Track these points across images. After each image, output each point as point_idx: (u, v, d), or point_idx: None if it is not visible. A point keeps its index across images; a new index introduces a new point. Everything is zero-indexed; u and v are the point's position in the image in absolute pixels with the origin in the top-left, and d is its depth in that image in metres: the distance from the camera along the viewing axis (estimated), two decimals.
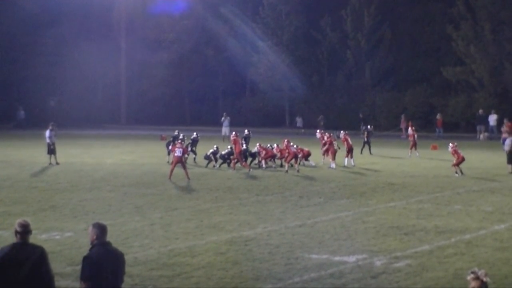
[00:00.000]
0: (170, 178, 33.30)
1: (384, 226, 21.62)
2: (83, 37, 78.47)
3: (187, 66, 79.45)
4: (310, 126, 66.58)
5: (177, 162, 33.80)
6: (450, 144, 36.21)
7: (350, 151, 39.11)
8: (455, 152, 35.39)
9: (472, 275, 8.82)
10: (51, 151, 39.29)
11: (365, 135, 46.40)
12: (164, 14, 78.63)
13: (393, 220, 22.75)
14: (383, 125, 68.82)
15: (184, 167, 33.91)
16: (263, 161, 38.54)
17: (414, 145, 44.23)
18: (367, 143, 45.79)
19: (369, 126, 49.87)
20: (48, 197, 27.94)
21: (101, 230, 10.54)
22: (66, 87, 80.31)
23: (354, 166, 38.48)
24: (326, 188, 30.70)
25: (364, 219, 23.01)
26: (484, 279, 8.80)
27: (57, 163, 39.01)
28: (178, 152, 34.04)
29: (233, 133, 40.48)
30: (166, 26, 78.95)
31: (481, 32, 67.70)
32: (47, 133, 39.74)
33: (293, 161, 37.27)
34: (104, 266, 10.26)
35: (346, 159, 39.00)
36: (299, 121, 70.19)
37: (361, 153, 44.57)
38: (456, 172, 34.78)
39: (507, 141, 37.03)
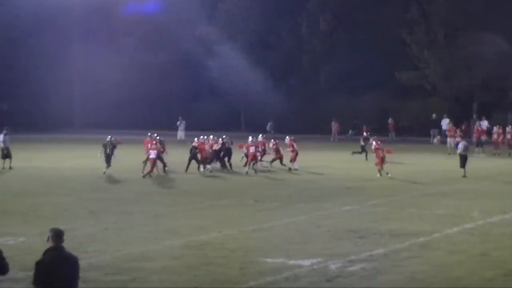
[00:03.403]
0: (145, 175, 35.03)
1: (339, 230, 21.69)
2: (35, 40, 77.60)
3: (142, 70, 78.93)
4: (261, 130, 66.77)
5: (154, 164, 35.12)
6: (373, 142, 37.73)
7: (296, 155, 39.48)
8: (376, 150, 36.51)
9: None
10: (5, 155, 38.79)
11: (361, 140, 45.80)
12: (119, 17, 78.25)
13: (348, 223, 22.83)
14: (339, 129, 69.04)
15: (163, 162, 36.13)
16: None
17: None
18: (364, 149, 45.22)
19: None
20: (0, 201, 27.57)
21: (55, 234, 10.45)
22: (18, 91, 79.29)
23: (297, 169, 38.79)
24: (281, 192, 30.73)
25: (319, 223, 23.07)
26: None
27: (10, 167, 38.54)
28: (152, 154, 35.11)
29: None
30: (120, 28, 78.49)
31: (435, 37, 68.39)
32: (1, 137, 39.25)
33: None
34: (57, 271, 10.15)
35: (292, 163, 39.31)
36: (269, 125, 69.46)
37: (366, 159, 44.15)
38: (380, 173, 35.81)
39: (460, 145, 37.47)
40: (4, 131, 39.63)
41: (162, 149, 37.69)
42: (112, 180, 34.64)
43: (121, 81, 78.58)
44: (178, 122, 61.55)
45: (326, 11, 73.97)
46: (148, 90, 79.93)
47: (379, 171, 36.01)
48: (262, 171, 38.57)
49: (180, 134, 59.73)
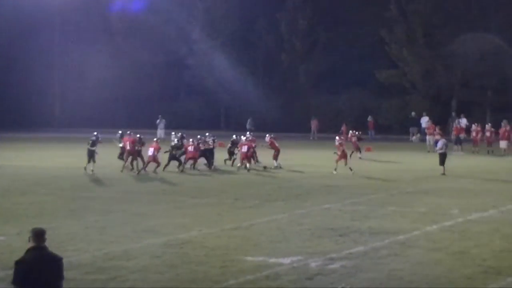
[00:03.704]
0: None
1: (319, 228, 21.75)
2: (17, 39, 77.24)
3: (122, 68, 78.67)
4: (242, 129, 66.79)
5: (150, 161, 36.91)
6: (337, 138, 38.61)
7: (278, 153, 39.67)
8: (340, 145, 37.25)
9: None
10: None
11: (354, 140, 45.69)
12: (100, 16, 78.09)
13: (328, 222, 22.90)
14: (318, 127, 69.15)
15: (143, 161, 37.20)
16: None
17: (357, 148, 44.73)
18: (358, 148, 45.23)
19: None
20: None
21: (36, 234, 10.42)
22: None
23: (281, 167, 39.04)
24: (261, 190, 30.78)
25: (300, 221, 23.12)
26: None
27: None
28: (150, 152, 36.86)
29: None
30: (102, 27, 78.28)
31: (414, 36, 68.68)
32: None
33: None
34: (36, 271, 10.12)
35: (274, 161, 39.55)
36: (249, 122, 69.26)
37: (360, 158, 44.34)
38: (335, 170, 36.52)
39: (439, 143, 37.65)
40: None
41: (140, 148, 37.98)
42: (93, 179, 34.56)
43: (102, 80, 78.35)
44: (158, 121, 61.50)
45: (306, 10, 74.07)
46: (128, 89, 79.68)
47: (336, 168, 36.74)
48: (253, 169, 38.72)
49: (160, 132, 59.65)
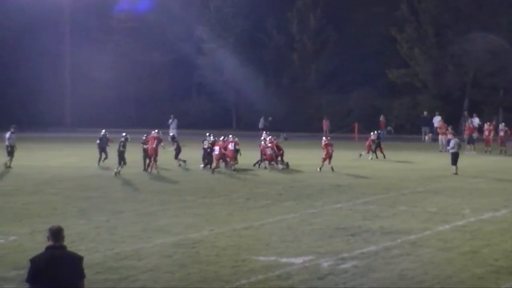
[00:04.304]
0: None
1: (331, 228, 21.71)
2: (26, 38, 77.48)
3: (133, 68, 78.79)
4: (253, 128, 66.87)
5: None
6: (323, 138, 39.07)
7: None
8: (325, 146, 37.63)
9: None
10: (10, 153, 38.83)
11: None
12: (111, 15, 78.27)
13: (339, 221, 22.86)
14: (329, 127, 69.09)
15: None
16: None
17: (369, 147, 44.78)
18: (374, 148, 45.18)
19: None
20: None
21: (52, 233, 10.36)
22: (8, 90, 79.11)
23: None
24: (272, 190, 30.74)
25: (311, 220, 23.08)
26: None
27: (10, 167, 38.37)
28: (216, 151, 37.82)
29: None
30: (111, 27, 78.45)
31: (425, 35, 68.55)
32: (7, 134, 39.39)
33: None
34: (52, 269, 10.08)
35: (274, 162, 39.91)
36: (261, 121, 69.14)
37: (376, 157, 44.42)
38: (320, 168, 37.16)
39: (452, 143, 37.52)
40: (12, 129, 39.68)
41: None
42: (102, 178, 34.58)
43: (112, 79, 78.59)
44: (170, 121, 61.51)
45: (316, 9, 74.06)
46: (139, 89, 79.97)
47: (321, 167, 37.39)
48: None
49: (172, 132, 59.60)
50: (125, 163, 36.26)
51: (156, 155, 37.41)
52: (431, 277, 16.10)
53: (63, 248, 10.38)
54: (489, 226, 22.01)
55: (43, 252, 10.29)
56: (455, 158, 36.29)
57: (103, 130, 40.93)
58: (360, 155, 44.49)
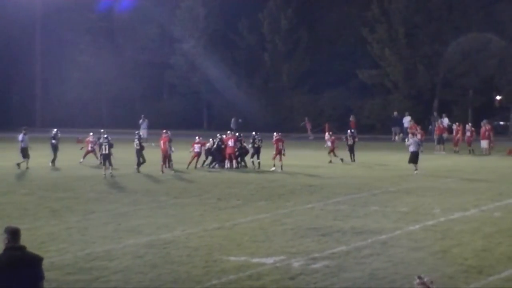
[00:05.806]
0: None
1: (302, 228, 21.77)
2: None
3: (105, 68, 78.43)
4: (225, 128, 66.73)
5: (195, 157, 38.88)
6: (275, 134, 39.53)
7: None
8: (275, 142, 38.37)
9: (418, 281, 8.93)
10: (26, 155, 38.90)
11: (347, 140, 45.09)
12: (83, 15, 77.93)
13: (310, 221, 22.94)
14: (301, 128, 69.20)
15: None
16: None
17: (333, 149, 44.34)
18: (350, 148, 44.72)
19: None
20: None
21: (11, 234, 10.27)
22: None
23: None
24: (244, 190, 30.78)
25: (282, 221, 23.14)
26: (430, 286, 8.91)
27: (27, 168, 38.52)
28: (197, 148, 38.82)
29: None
30: (83, 27, 78.11)
31: (396, 36, 68.85)
32: (20, 137, 39.20)
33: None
34: (12, 271, 9.98)
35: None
36: (233, 122, 68.86)
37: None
38: (274, 165, 37.88)
39: (410, 140, 37.81)
40: (23, 131, 39.64)
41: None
42: (74, 179, 34.42)
43: (84, 79, 78.21)
44: (141, 121, 61.29)
45: (287, 9, 74.12)
46: (111, 89, 79.62)
47: (274, 165, 38.01)
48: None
49: (143, 132, 59.44)
50: (111, 165, 36.13)
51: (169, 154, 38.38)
52: (402, 276, 16.20)
53: (23, 248, 10.30)
54: (459, 226, 22.18)
55: (3, 252, 10.18)
56: (413, 157, 36.49)
57: (55, 129, 42.37)
58: (342, 159, 43.37)
